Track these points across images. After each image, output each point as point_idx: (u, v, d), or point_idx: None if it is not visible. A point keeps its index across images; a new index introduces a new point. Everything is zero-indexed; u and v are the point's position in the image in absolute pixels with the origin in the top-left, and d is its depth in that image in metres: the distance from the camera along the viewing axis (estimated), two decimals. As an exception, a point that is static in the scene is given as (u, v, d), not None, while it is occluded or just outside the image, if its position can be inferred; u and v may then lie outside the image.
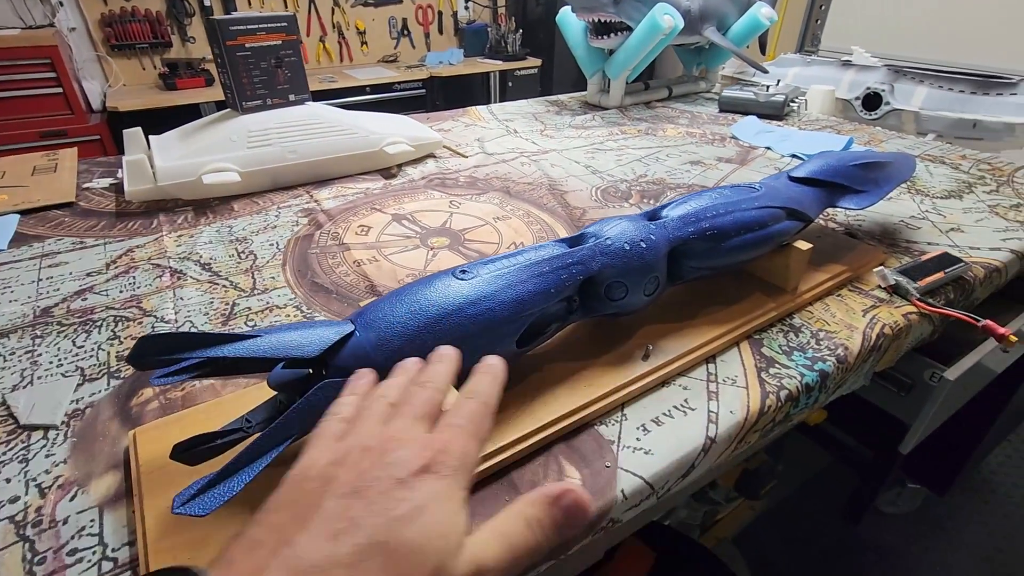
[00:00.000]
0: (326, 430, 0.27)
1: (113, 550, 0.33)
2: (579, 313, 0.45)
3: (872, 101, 1.31)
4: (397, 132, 0.93)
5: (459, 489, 0.24)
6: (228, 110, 0.87)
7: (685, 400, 0.45)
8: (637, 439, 0.41)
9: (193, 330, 0.53)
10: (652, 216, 0.51)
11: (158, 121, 0.84)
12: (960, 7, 1.96)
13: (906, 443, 0.69)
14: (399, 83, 2.59)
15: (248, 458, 0.30)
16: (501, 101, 1.38)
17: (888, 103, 1.28)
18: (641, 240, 0.45)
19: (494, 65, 2.85)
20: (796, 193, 0.58)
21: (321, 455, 0.25)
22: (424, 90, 2.67)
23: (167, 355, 0.30)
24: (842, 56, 1.46)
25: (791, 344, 0.52)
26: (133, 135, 0.81)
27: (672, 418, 0.43)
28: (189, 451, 0.33)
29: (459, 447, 0.25)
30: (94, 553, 0.33)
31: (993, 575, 1.27)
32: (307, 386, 0.35)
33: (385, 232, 0.72)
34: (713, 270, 0.52)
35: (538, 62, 2.96)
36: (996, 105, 1.16)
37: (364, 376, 0.32)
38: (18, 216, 0.75)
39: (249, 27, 0.80)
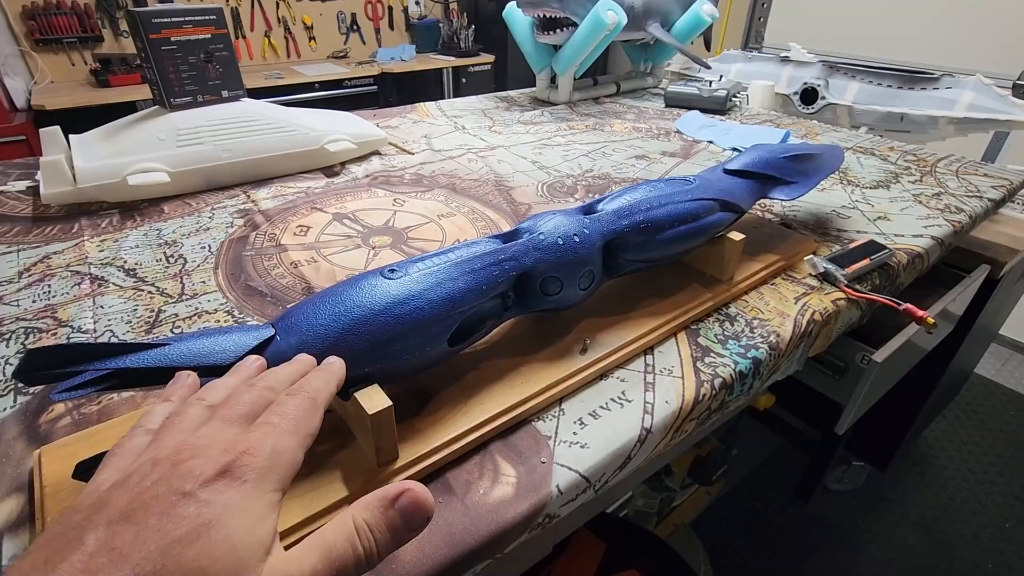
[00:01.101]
0: (125, 447, 0.24)
1: (12, 579, 0.31)
2: (515, 309, 0.45)
3: (809, 96, 1.36)
4: (339, 129, 0.91)
5: (263, 494, 0.21)
6: (156, 107, 0.82)
7: (622, 392, 0.45)
8: (574, 433, 0.41)
9: (106, 340, 0.50)
10: (588, 210, 0.51)
11: (90, 120, 0.79)
12: (890, 6, 2.05)
13: (841, 423, 0.72)
14: (350, 80, 2.53)
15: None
16: (455, 97, 1.36)
17: (824, 98, 1.33)
18: (575, 234, 0.45)
19: (447, 61, 2.82)
20: (730, 185, 0.59)
21: (107, 477, 0.22)
22: (376, 87, 2.63)
23: (62, 368, 0.28)
24: (781, 52, 1.51)
25: (726, 333, 0.53)
26: (51, 134, 0.76)
27: (609, 411, 0.44)
28: (93, 469, 0.31)
29: (269, 446, 0.23)
30: (-10, 584, 0.30)
31: (932, 542, 1.35)
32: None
33: (325, 232, 0.70)
34: (649, 263, 0.53)
35: (491, 58, 2.95)
36: (921, 99, 1.22)
37: (182, 380, 0.29)
38: (-80, 223, 0.69)
39: (174, 20, 0.76)
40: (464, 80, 2.87)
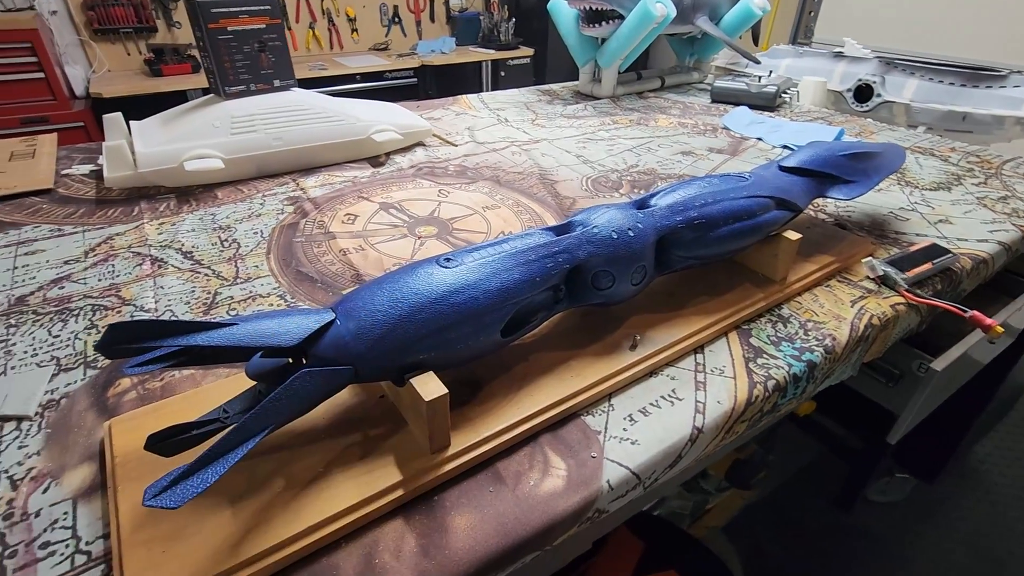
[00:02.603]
0: None
1: (87, 543, 0.32)
2: (565, 302, 0.45)
3: (863, 93, 1.31)
4: (385, 120, 0.92)
5: None
6: (211, 95, 0.85)
7: (672, 390, 0.45)
8: (624, 429, 0.41)
9: (171, 318, 0.52)
10: (641, 205, 0.50)
11: (143, 108, 0.82)
12: (952, 0, 1.96)
13: (894, 433, 0.69)
14: (390, 72, 2.56)
15: (223, 449, 0.29)
16: (493, 91, 1.36)
17: (879, 95, 1.28)
18: (629, 228, 0.45)
19: (486, 54, 2.82)
20: (786, 183, 0.58)
21: None
22: (416, 79, 2.64)
23: (139, 343, 0.29)
24: (834, 48, 1.46)
25: (779, 334, 0.52)
26: (113, 120, 0.79)
27: (659, 408, 0.43)
28: (164, 442, 0.32)
29: None
30: (67, 546, 0.32)
31: (981, 559, 1.29)
32: (285, 376, 0.34)
33: (372, 221, 0.71)
34: (701, 260, 0.51)
35: (531, 52, 2.94)
36: (985, 98, 1.16)
37: None
38: (-6, 203, 0.73)
39: (231, 10, 0.78)
40: (503, 73, 2.86)
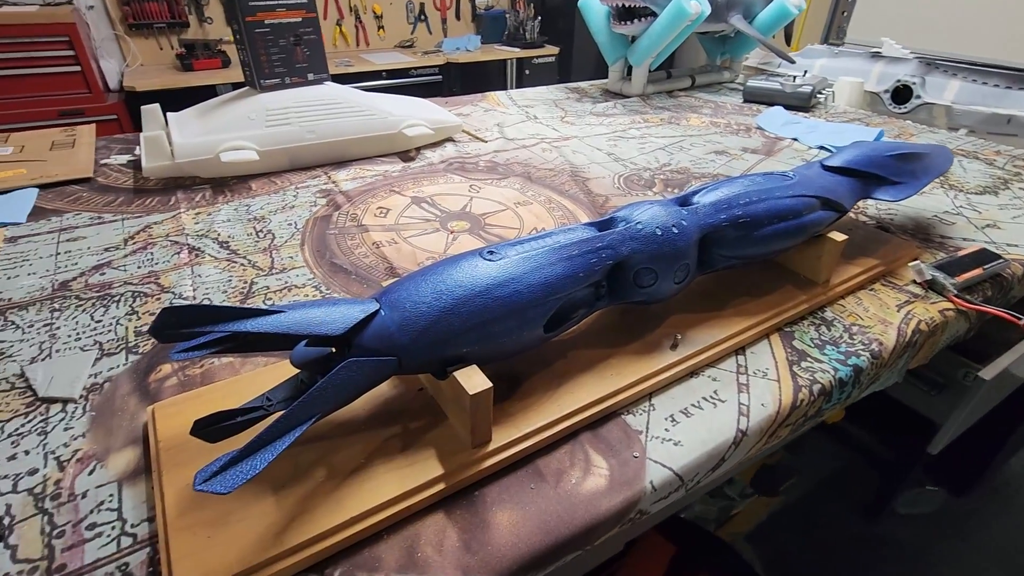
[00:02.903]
0: None
1: (132, 525, 0.32)
2: (607, 299, 0.44)
3: (902, 94, 1.28)
4: (416, 115, 0.92)
5: None
6: (246, 88, 0.86)
7: (715, 392, 0.44)
8: (665, 430, 0.40)
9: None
10: (683, 202, 0.49)
11: (175, 101, 0.84)
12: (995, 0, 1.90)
13: (936, 443, 0.67)
14: (415, 69, 2.57)
15: (271, 437, 0.29)
16: (517, 89, 1.36)
17: (919, 96, 1.24)
18: (673, 225, 0.44)
19: (511, 52, 2.81)
20: (831, 182, 0.56)
21: None
22: (440, 76, 2.65)
23: (189, 328, 0.29)
24: (871, 48, 1.42)
25: (823, 338, 0.50)
26: (151, 111, 0.80)
27: (701, 409, 0.42)
28: (209, 428, 0.32)
29: None
30: (113, 528, 0.32)
31: (1010, 578, 1.25)
32: (329, 365, 0.34)
33: (404, 214, 0.71)
34: (744, 259, 0.50)
35: (556, 50, 2.92)
36: (1032, 100, 1.12)
37: None
38: (36, 190, 0.75)
39: (269, 3, 0.79)
40: (527, 72, 2.85)
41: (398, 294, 0.35)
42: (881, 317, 0.53)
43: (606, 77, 1.37)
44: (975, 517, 1.37)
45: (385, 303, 0.35)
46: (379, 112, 0.88)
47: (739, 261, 0.50)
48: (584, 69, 2.99)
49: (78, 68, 2.00)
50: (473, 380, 0.34)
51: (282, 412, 0.31)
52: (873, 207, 0.76)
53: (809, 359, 0.47)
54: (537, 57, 2.87)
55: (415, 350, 0.34)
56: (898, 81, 1.27)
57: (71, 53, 1.98)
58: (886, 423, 1.00)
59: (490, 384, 0.34)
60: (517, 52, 2.81)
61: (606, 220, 0.45)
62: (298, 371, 0.36)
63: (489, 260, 0.38)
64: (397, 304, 0.35)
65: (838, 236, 0.53)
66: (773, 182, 0.52)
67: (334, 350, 0.35)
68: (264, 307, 0.31)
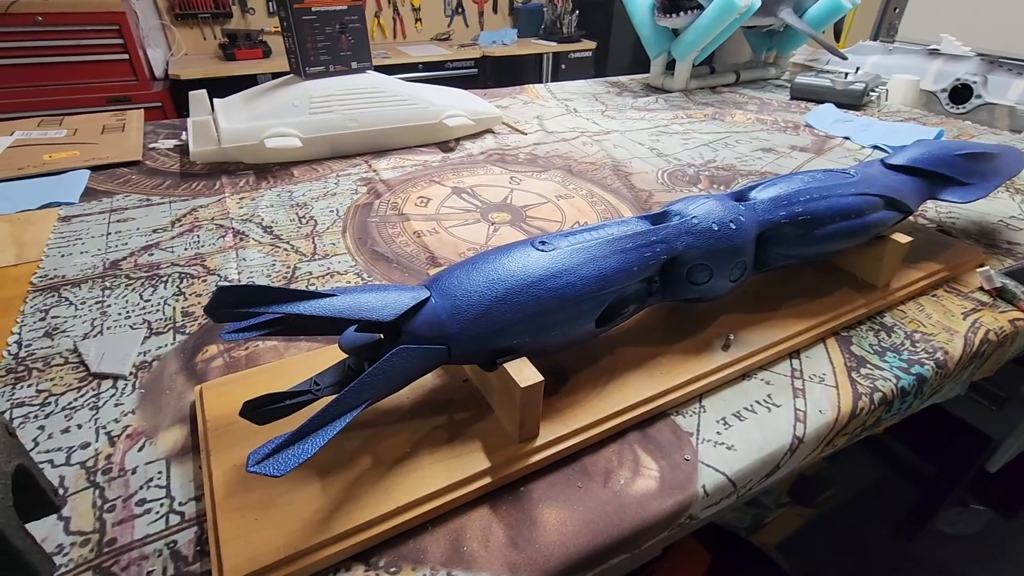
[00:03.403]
0: None
1: (180, 504, 0.32)
2: (658, 295, 0.42)
3: (960, 94, 1.22)
4: (457, 105, 0.91)
5: None
6: (291, 75, 0.86)
7: (768, 395, 0.42)
8: (717, 433, 0.38)
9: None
10: (739, 197, 0.47)
11: (217, 90, 0.85)
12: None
13: (996, 460, 0.64)
14: (451, 61, 2.57)
15: (322, 421, 0.28)
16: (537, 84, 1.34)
17: (979, 96, 1.18)
18: (730, 221, 0.42)
19: (548, 47, 2.79)
20: (894, 181, 0.53)
21: None
22: (476, 70, 2.64)
23: (244, 307, 0.29)
24: (927, 45, 1.36)
25: (883, 344, 0.48)
26: (198, 97, 0.81)
27: (755, 413, 0.40)
28: (257, 410, 0.32)
29: None
30: (162, 505, 0.32)
31: (1057, 608, 1.19)
32: (378, 351, 0.34)
33: (445, 204, 0.70)
34: (801, 259, 0.48)
35: (593, 45, 2.89)
36: (1106, 101, 1.06)
37: None
38: (88, 172, 0.76)
39: (317, -10, 0.79)
40: (563, 66, 2.83)
41: (449, 282, 0.35)
42: (946, 325, 0.50)
43: (642, 73, 1.35)
44: (1021, 540, 1.30)
45: (436, 290, 0.34)
46: (420, 102, 0.87)
47: (796, 261, 0.48)
48: (620, 65, 2.95)
49: (126, 56, 2.06)
50: (524, 373, 0.33)
51: (331, 397, 0.30)
52: (933, 209, 0.72)
53: (869, 366, 0.45)
54: (573, 52, 2.84)
55: (465, 339, 0.33)
56: (957, 80, 1.21)
57: (120, 41, 2.03)
58: (928, 436, 0.96)
59: (541, 378, 0.33)
60: (553, 46, 2.79)
61: (660, 214, 0.44)
62: (345, 357, 0.35)
63: (541, 250, 0.37)
64: (448, 292, 0.34)
65: (902, 238, 0.50)
66: (834, 179, 0.50)
67: (383, 336, 0.35)
68: (316, 290, 0.31)
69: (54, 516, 0.31)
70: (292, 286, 0.53)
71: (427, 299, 0.34)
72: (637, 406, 0.39)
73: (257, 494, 0.31)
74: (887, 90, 1.22)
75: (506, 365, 0.33)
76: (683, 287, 0.42)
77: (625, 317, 0.41)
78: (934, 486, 1.07)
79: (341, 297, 0.31)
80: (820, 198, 0.47)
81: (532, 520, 0.32)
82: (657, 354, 0.43)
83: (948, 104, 1.23)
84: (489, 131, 0.98)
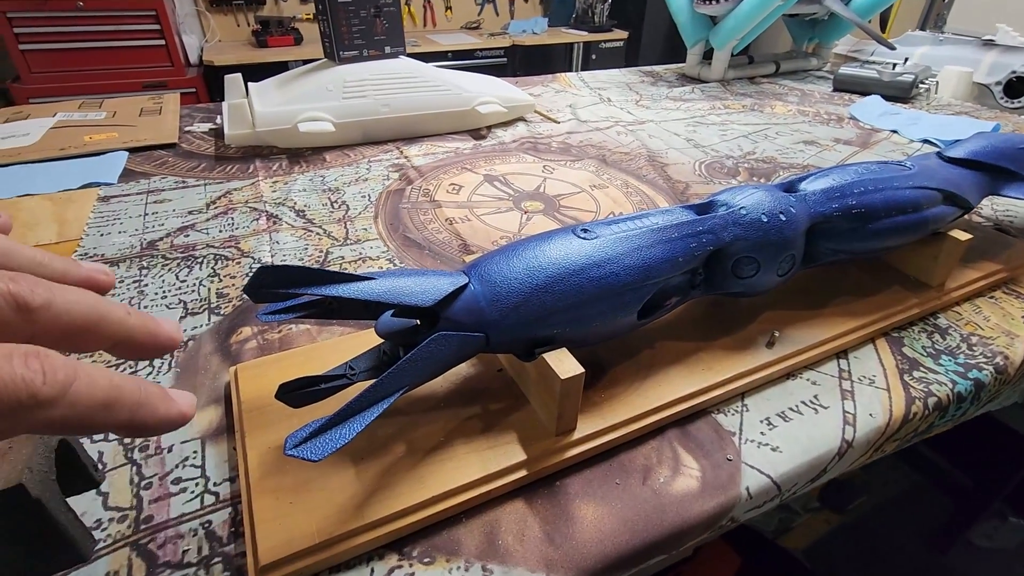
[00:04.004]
0: None
1: (215, 484, 0.32)
2: (701, 288, 0.41)
3: (1016, 87, 1.16)
4: (490, 92, 0.90)
5: None
6: (324, 60, 0.86)
7: (815, 396, 0.40)
8: (761, 433, 0.37)
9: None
10: (788, 189, 0.45)
11: (249, 77, 0.85)
12: None
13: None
14: (481, 50, 2.55)
15: (359, 407, 0.28)
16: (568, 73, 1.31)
17: (1037, 90, 1.12)
18: (780, 212, 0.40)
19: (579, 36, 2.75)
20: (954, 175, 0.50)
21: None
22: (505, 59, 2.62)
23: (283, 288, 0.29)
24: (982, 36, 1.30)
25: (937, 347, 0.45)
26: (234, 80, 0.81)
27: (801, 414, 0.38)
28: (293, 392, 0.32)
29: None
30: (197, 484, 0.32)
31: (1100, 628, 1.14)
32: (414, 338, 0.33)
33: (477, 192, 0.69)
34: (852, 255, 0.46)
35: (625, 35, 2.84)
36: None
37: None
38: (126, 153, 0.77)
39: (353, -27, 0.78)
40: (594, 56, 2.79)
41: (488, 268, 0.34)
42: (1005, 328, 0.47)
43: (674, 63, 1.31)
44: (1064, 556, 1.25)
45: (475, 276, 0.33)
46: (453, 88, 0.86)
47: (847, 256, 0.46)
48: (652, 56, 2.90)
49: (163, 42, 2.10)
50: (564, 364, 0.32)
51: (370, 382, 0.30)
52: (989, 207, 0.68)
53: (922, 369, 0.43)
54: (605, 42, 2.80)
55: (504, 327, 0.32)
56: (1013, 73, 1.15)
57: (157, 27, 2.07)
58: (967, 445, 0.92)
59: (582, 370, 0.32)
60: (584, 36, 2.75)
61: (706, 203, 0.42)
62: (380, 342, 0.35)
63: (584, 238, 0.35)
64: (487, 278, 0.33)
65: (961, 235, 0.48)
66: (890, 171, 0.47)
67: (419, 322, 0.34)
68: (356, 273, 0.30)
69: (93, 491, 0.31)
70: (325, 270, 0.53)
71: (466, 285, 0.33)
72: (677, 402, 0.37)
73: (291, 477, 0.31)
74: (937, 82, 1.17)
75: (545, 356, 0.32)
76: (728, 280, 0.41)
77: (667, 310, 0.40)
78: (971, 497, 1.03)
79: (379, 281, 0.31)
80: (875, 190, 0.45)
81: (568, 516, 0.31)
82: (698, 349, 0.41)
83: (1003, 98, 1.18)
84: (521, 119, 0.96)
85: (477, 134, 0.89)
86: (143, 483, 0.32)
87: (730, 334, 0.43)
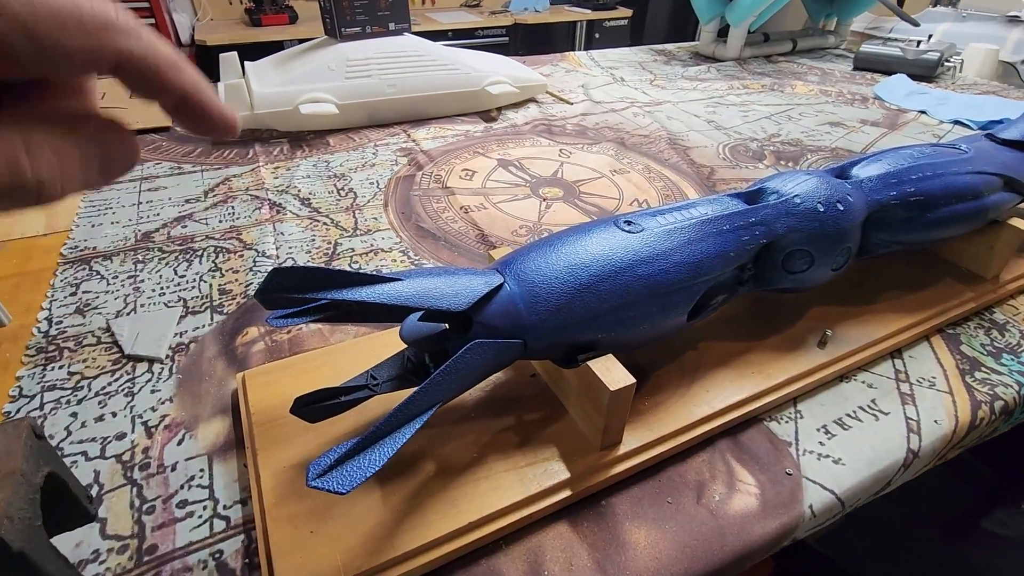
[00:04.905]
0: None
1: (225, 507, 0.29)
2: (749, 284, 0.37)
3: (1043, 65, 1.11)
4: (500, 72, 0.85)
5: None
6: (325, 38, 0.81)
7: (872, 401, 0.37)
8: (820, 443, 0.34)
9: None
10: (840, 175, 0.41)
11: (243, 57, 0.80)
12: None
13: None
14: (482, 29, 2.48)
15: (389, 427, 0.24)
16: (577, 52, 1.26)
17: (1066, 68, 1.08)
18: (838, 201, 0.37)
19: (582, 14, 2.67)
20: (1010, 159, 0.47)
21: None
22: (507, 38, 2.55)
23: (300, 293, 0.25)
24: (1007, 12, 1.25)
25: (997, 344, 0.42)
26: (229, 60, 0.77)
27: (860, 421, 0.35)
28: (309, 406, 0.29)
29: None
30: (204, 508, 0.29)
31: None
32: (442, 343, 0.30)
33: (491, 178, 0.65)
34: (907, 246, 0.42)
35: (629, 13, 2.76)
36: None
37: None
38: (118, 138, 0.73)
39: (356, -57, 0.73)
40: (597, 35, 2.71)
41: (525, 265, 0.30)
42: (1066, 323, 0.44)
43: (681, 42, 1.26)
44: (1082, 544, 1.24)
45: (510, 275, 0.30)
46: (462, 67, 0.82)
47: (901, 248, 0.42)
48: (657, 33, 2.83)
49: (152, 21, 2.02)
50: (613, 373, 0.28)
51: (394, 393, 0.27)
52: (1031, 192, 0.65)
53: (984, 369, 0.40)
54: (608, 20, 2.72)
55: (544, 332, 0.29)
56: (1041, 50, 1.11)
57: (146, 5, 1.99)
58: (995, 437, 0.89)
59: (633, 380, 0.28)
60: (588, 14, 2.67)
61: (754, 191, 0.38)
62: (402, 348, 0.31)
63: (628, 231, 0.32)
64: (524, 278, 0.30)
65: (1021, 223, 0.44)
66: (946, 155, 0.44)
67: (447, 327, 0.31)
68: (382, 274, 0.27)
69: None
70: (334, 263, 0.50)
71: (501, 285, 0.29)
72: (728, 410, 0.34)
73: (310, 502, 0.28)
74: (962, 60, 1.12)
75: (591, 364, 0.29)
76: (777, 275, 0.37)
77: (713, 309, 0.36)
78: (991, 487, 1.00)
79: (408, 282, 0.27)
80: (934, 176, 0.41)
81: (620, 541, 0.28)
82: (745, 350, 0.38)
83: (1028, 77, 1.13)
84: (532, 100, 0.92)
85: (487, 116, 0.85)
86: (145, 507, 0.29)
87: (778, 333, 0.40)
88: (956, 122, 0.85)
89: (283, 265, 0.24)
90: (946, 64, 1.08)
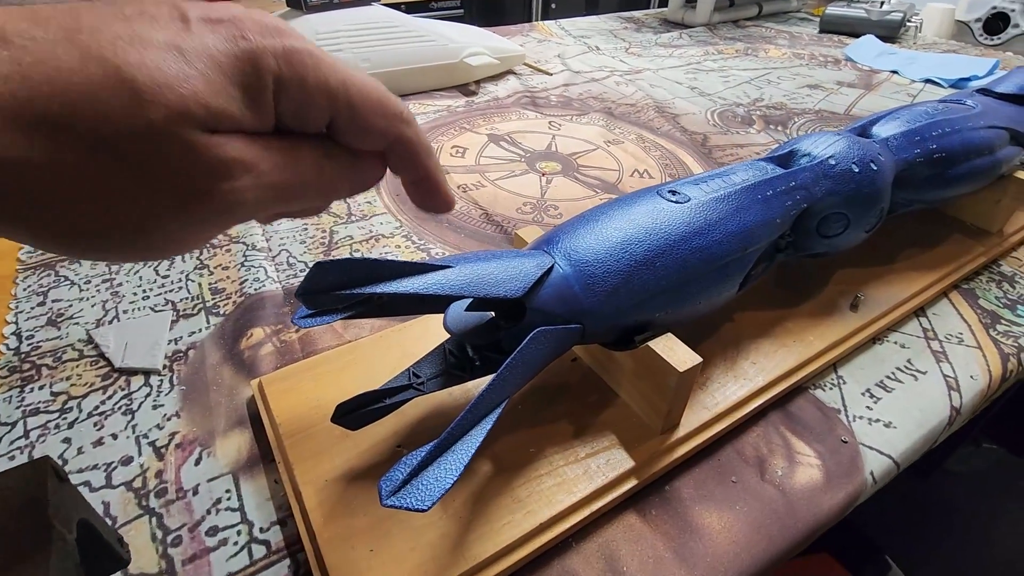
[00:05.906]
0: None
1: (262, 530, 0.26)
2: (787, 251, 0.36)
3: (995, 23, 1.15)
4: (478, 43, 0.81)
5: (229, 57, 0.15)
6: (289, 9, 0.75)
7: (908, 361, 0.37)
8: (867, 408, 0.33)
9: (284, 260, 0.45)
10: (861, 134, 0.41)
11: None
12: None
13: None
14: (436, 1, 2.38)
15: (461, 431, 0.22)
16: (543, 21, 1.22)
17: (1017, 25, 1.12)
18: (871, 161, 0.36)
19: (535, -16, 2.61)
20: (1013, 112, 0.47)
21: None
22: (462, 10, 2.47)
23: (345, 288, 0.22)
24: (957, -29, 1.28)
25: (1010, 296, 0.43)
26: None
27: (901, 383, 0.35)
28: (353, 413, 0.26)
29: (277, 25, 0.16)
30: (239, 533, 0.26)
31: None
32: (492, 333, 0.27)
33: (484, 154, 0.62)
34: (927, 204, 0.42)
35: (583, -19, 2.72)
36: None
37: None
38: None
39: (317, -97, 0.67)
40: (554, 5, 2.66)
41: (573, 243, 0.28)
42: (1069, 272, 0.45)
43: (635, 9, 1.25)
44: (1035, 476, 1.33)
45: (559, 255, 0.28)
46: (438, 38, 0.77)
47: (922, 206, 0.42)
48: (610, 2, 2.79)
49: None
50: (678, 354, 0.27)
51: (436, 391, 0.24)
52: None
53: (1004, 322, 0.40)
54: (563, -11, 2.67)
55: (602, 315, 0.27)
56: (993, 8, 1.14)
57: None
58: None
59: (700, 359, 0.27)
60: (542, -17, 2.61)
61: (784, 154, 0.37)
62: (441, 342, 0.29)
63: (676, 201, 0.30)
64: (576, 257, 0.27)
65: (1026, 176, 0.45)
66: (957, 111, 0.44)
67: (494, 315, 0.28)
68: (430, 262, 0.24)
69: (107, 556, 0.25)
70: (333, 253, 0.46)
71: (552, 267, 0.27)
72: (778, 381, 0.33)
73: (364, 518, 0.25)
74: (922, 20, 1.15)
75: (653, 344, 0.27)
76: (811, 240, 0.36)
77: (755, 279, 0.35)
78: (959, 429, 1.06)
79: (457, 269, 0.25)
80: (952, 132, 0.41)
81: (693, 528, 0.27)
82: (781, 319, 0.37)
83: (982, 35, 1.17)
84: (511, 72, 0.88)
85: (467, 90, 0.81)
86: (170, 538, 0.26)
87: (809, 299, 0.39)
88: (928, 80, 0.86)
89: (324, 260, 0.21)
90: (907, 24, 1.10)
